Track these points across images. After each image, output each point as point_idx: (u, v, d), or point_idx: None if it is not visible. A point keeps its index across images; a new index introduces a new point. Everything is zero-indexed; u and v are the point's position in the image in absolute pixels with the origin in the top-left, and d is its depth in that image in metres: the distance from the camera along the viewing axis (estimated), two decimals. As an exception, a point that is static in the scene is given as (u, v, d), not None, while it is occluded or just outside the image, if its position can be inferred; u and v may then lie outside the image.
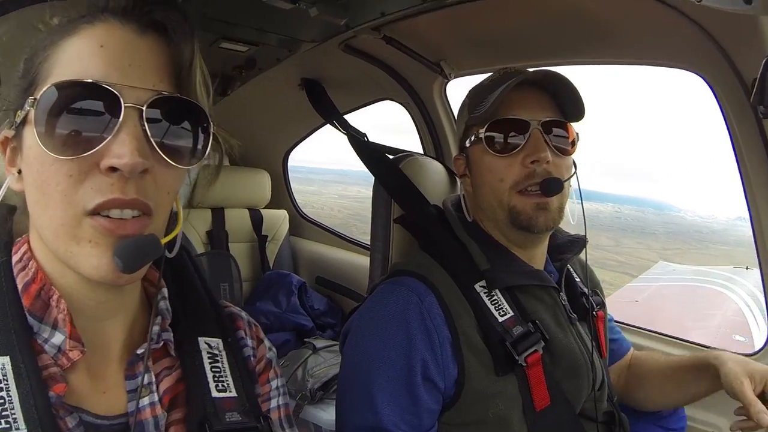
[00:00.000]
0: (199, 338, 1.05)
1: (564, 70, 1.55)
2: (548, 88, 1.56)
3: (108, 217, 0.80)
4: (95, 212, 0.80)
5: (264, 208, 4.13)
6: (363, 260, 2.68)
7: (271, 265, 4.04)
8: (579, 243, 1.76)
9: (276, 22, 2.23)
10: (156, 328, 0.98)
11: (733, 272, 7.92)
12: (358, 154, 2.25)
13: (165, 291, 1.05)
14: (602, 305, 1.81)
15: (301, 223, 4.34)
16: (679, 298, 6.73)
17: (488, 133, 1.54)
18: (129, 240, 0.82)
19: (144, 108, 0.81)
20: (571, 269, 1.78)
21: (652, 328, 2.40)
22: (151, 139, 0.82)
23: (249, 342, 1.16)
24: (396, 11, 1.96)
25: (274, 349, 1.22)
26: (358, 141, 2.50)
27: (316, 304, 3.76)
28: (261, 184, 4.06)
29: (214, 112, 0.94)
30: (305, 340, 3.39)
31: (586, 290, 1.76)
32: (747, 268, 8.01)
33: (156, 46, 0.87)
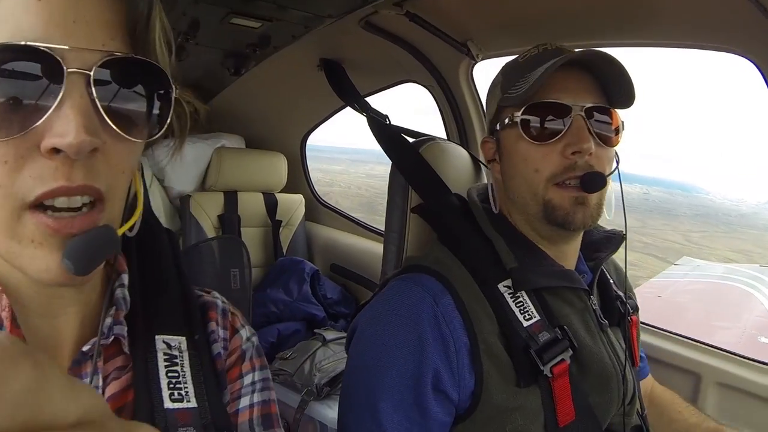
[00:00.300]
0: (157, 336, 0.91)
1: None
2: (593, 69, 1.39)
3: (53, 209, 0.68)
4: (38, 203, 0.67)
5: (280, 192, 4.04)
6: (381, 248, 2.60)
7: (284, 251, 3.95)
8: (616, 240, 1.61)
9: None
10: (108, 320, 0.84)
11: (759, 271, 7.75)
12: (375, 137, 2.13)
13: (125, 277, 0.91)
14: (637, 309, 1.67)
15: (317, 208, 4.24)
16: (703, 295, 6.58)
17: (525, 117, 1.38)
18: (79, 238, 0.69)
19: (92, 73, 0.68)
20: (605, 269, 1.63)
21: (675, 327, 2.28)
22: (101, 110, 0.69)
23: (221, 334, 1.01)
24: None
25: (254, 339, 1.07)
26: (378, 123, 2.39)
27: (329, 292, 3.66)
28: (277, 167, 3.97)
29: (174, 72, 0.81)
30: (315, 331, 3.29)
31: (620, 293, 1.62)
32: None
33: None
